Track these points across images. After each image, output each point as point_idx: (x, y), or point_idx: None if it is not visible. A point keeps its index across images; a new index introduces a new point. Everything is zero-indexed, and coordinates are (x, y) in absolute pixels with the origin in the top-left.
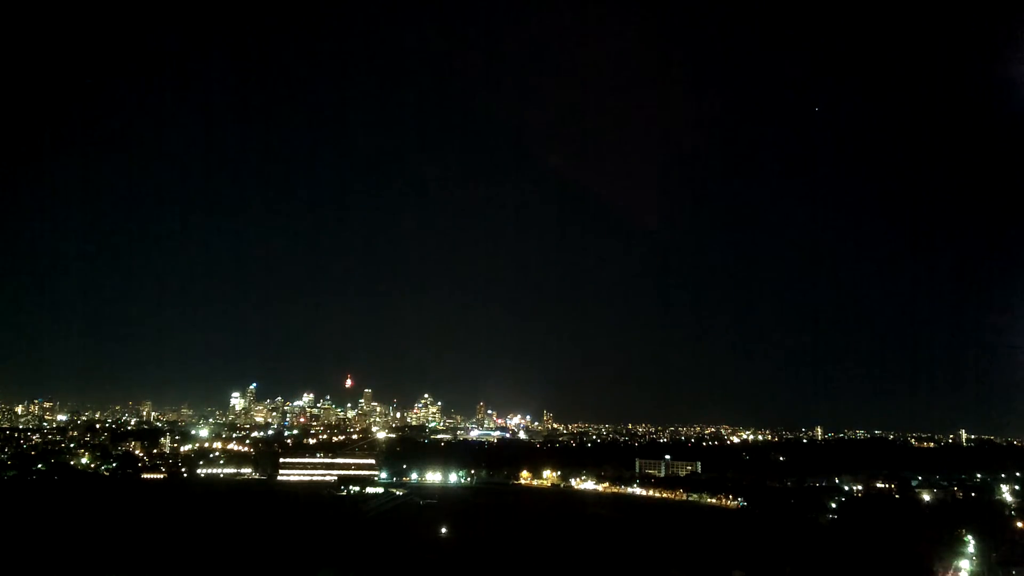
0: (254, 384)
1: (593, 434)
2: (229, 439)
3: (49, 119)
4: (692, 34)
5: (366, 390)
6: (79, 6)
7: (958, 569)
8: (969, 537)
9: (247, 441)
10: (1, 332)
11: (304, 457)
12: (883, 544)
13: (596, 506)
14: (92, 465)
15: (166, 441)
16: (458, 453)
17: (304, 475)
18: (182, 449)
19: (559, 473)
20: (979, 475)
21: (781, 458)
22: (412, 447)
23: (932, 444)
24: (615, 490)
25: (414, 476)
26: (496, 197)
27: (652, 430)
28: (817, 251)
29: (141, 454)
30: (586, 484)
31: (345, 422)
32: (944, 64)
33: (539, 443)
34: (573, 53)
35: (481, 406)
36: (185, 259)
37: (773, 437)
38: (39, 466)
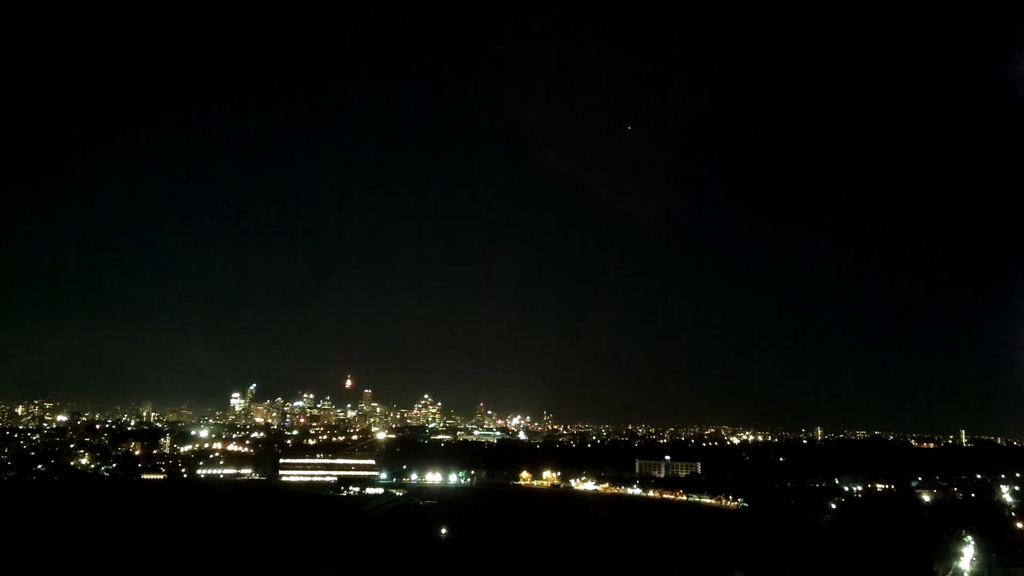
0: (254, 384)
1: (593, 435)
2: (229, 439)
3: (49, 119)
4: (692, 34)
5: (366, 390)
6: (79, 6)
7: (958, 569)
8: (969, 537)
9: (247, 441)
10: (1, 332)
11: (304, 458)
12: (883, 545)
13: (596, 507)
14: (92, 466)
15: (166, 441)
16: (458, 454)
17: (304, 476)
18: (182, 450)
19: (559, 474)
20: (979, 475)
21: (781, 459)
22: (412, 448)
23: (932, 444)
24: (615, 491)
25: (414, 477)
26: (496, 197)
27: (652, 430)
28: (817, 251)
29: (141, 454)
30: (586, 485)
31: (345, 422)
32: (944, 64)
33: (539, 444)
34: (573, 53)
35: (481, 407)
36: (185, 259)
37: (773, 437)
38: (39, 467)
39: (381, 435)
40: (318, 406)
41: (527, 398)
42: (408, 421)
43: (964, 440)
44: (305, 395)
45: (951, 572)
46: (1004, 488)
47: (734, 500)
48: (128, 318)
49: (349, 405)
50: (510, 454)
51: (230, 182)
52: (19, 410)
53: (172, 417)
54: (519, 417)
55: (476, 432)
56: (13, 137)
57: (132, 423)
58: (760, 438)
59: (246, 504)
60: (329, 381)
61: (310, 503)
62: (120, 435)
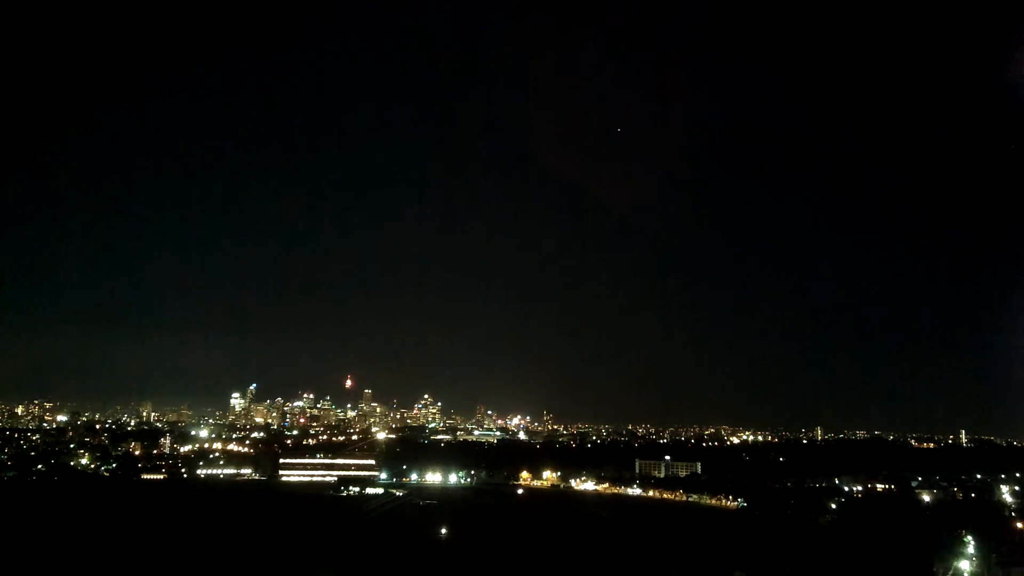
0: (254, 384)
1: (593, 435)
2: (229, 439)
3: (49, 119)
4: (692, 34)
5: (366, 390)
6: (79, 6)
7: (958, 569)
8: (969, 537)
9: (247, 441)
10: (1, 332)
11: (304, 458)
12: (883, 544)
13: (596, 507)
14: (92, 466)
15: (166, 441)
16: (458, 454)
17: (304, 476)
18: (182, 450)
19: (559, 474)
20: (979, 475)
21: (781, 459)
22: (412, 448)
23: (932, 444)
24: (615, 491)
25: (414, 477)
26: (496, 197)
27: (652, 431)
28: (817, 251)
29: (141, 455)
30: (586, 485)
31: (345, 422)
32: (944, 64)
33: (539, 444)
34: (573, 53)
35: (481, 407)
36: (185, 258)
37: (773, 437)
38: (39, 467)
39: (381, 435)
40: (318, 406)
41: (527, 398)
42: (408, 421)
43: (964, 440)
44: (305, 395)
45: (951, 572)
46: (1004, 488)
47: (734, 500)
48: (128, 318)
49: (349, 405)
50: (510, 454)
51: (230, 182)
52: (19, 410)
53: (172, 417)
54: (519, 417)
55: (476, 432)
56: (13, 137)
57: (132, 423)
58: (760, 438)
59: (246, 504)
60: (329, 381)
61: (310, 503)
62: (120, 435)
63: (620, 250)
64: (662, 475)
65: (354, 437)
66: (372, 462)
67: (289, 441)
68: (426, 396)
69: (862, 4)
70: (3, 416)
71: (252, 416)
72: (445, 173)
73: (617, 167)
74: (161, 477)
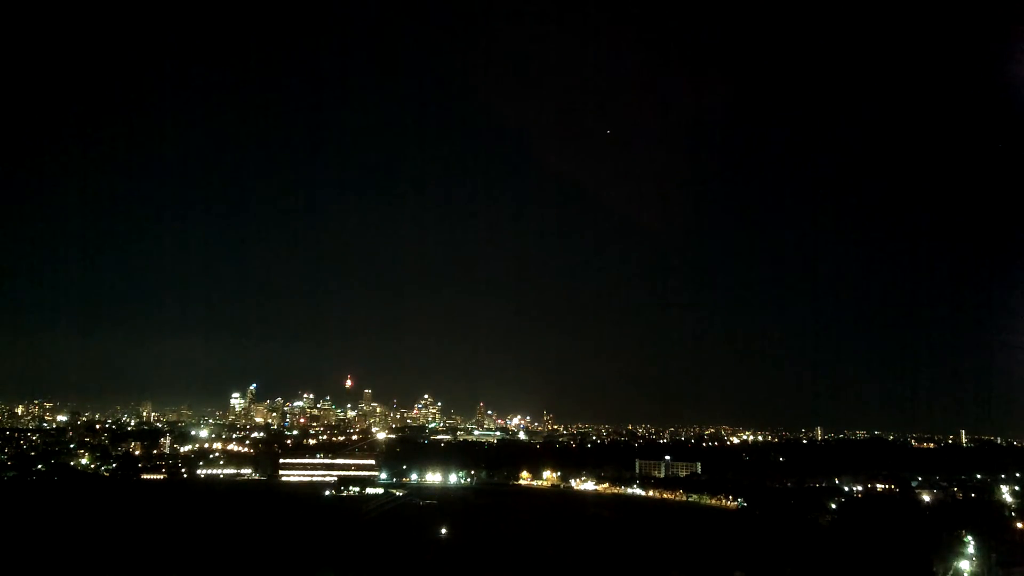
0: (254, 384)
1: (593, 435)
2: (229, 439)
3: (49, 119)
4: (692, 34)
5: (366, 390)
6: (79, 5)
7: (958, 569)
8: (969, 537)
9: (247, 441)
10: (1, 332)
11: (304, 458)
12: (883, 545)
13: (596, 507)
14: (92, 466)
15: (166, 442)
16: (458, 454)
17: (304, 476)
18: (182, 450)
19: (559, 474)
20: (979, 475)
21: (781, 459)
22: (412, 448)
23: (932, 444)
24: (615, 491)
25: (414, 477)
26: (496, 197)
27: (652, 431)
28: (817, 251)
29: (141, 455)
30: (586, 485)
31: (345, 422)
32: (944, 64)
33: (539, 444)
34: (573, 53)
35: (481, 407)
36: (185, 259)
37: (773, 437)
38: (39, 467)
39: (381, 435)
40: (318, 406)
41: (527, 398)
42: (408, 421)
43: (964, 440)
44: (305, 395)
45: (951, 572)
46: (1004, 488)
47: (734, 500)
48: (128, 318)
49: (349, 405)
50: (510, 454)
51: (230, 182)
52: (19, 410)
53: (172, 417)
54: (519, 417)
55: (476, 432)
56: (13, 137)
57: (132, 423)
58: (760, 438)
59: (246, 504)
60: (329, 381)
61: (310, 503)
62: (120, 435)
63: (620, 250)
64: (662, 475)
65: (354, 437)
66: (372, 462)
67: (289, 441)
68: (426, 396)
69: (862, 4)
70: (3, 416)
71: (252, 416)
72: (445, 173)
73: (617, 167)
74: (161, 477)
